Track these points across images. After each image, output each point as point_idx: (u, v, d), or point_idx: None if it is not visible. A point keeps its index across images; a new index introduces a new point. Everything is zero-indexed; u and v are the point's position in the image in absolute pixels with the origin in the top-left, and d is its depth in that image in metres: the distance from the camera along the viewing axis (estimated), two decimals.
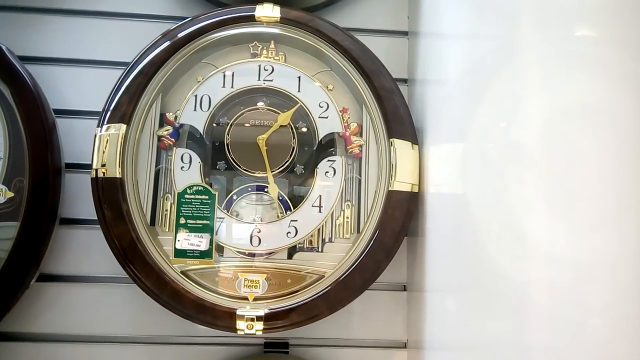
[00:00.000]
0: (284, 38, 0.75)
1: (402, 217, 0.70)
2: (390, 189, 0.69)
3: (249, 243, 0.68)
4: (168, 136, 0.71)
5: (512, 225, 0.47)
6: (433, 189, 0.69)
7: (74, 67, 0.81)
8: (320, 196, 0.70)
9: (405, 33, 0.87)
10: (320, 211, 0.70)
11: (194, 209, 0.67)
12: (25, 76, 0.73)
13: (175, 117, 0.72)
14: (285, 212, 0.71)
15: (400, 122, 0.72)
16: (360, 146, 0.72)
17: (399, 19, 0.88)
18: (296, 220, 0.69)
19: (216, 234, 0.68)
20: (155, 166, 0.71)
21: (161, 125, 0.71)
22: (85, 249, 0.77)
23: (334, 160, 0.71)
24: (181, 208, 0.67)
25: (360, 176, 0.72)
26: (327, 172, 0.71)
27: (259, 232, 0.69)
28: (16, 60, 0.74)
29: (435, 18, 0.73)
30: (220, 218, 0.69)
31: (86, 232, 0.77)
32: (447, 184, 0.65)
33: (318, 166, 0.71)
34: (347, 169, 0.72)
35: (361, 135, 0.73)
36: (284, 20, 0.74)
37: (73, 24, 0.82)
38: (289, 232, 0.69)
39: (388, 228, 0.69)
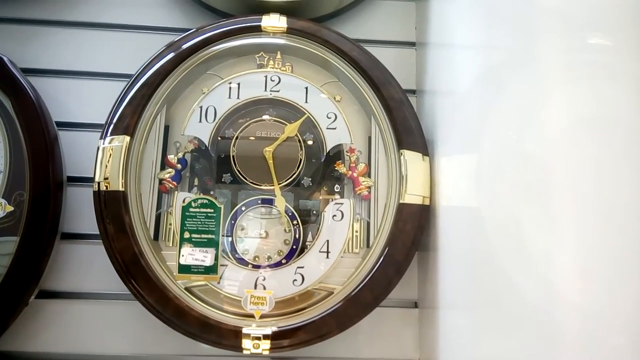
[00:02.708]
0: (291, 48, 0.74)
1: (414, 230, 0.67)
2: (401, 201, 0.67)
3: (253, 289, 0.66)
4: (170, 179, 0.69)
5: (529, 241, 0.45)
6: (445, 202, 0.67)
7: (77, 79, 0.80)
8: (327, 241, 0.67)
9: (412, 44, 0.86)
10: (328, 257, 0.67)
11: (198, 222, 0.65)
12: (27, 88, 0.72)
13: (178, 160, 0.70)
14: (293, 227, 0.68)
15: (410, 133, 0.70)
16: (369, 187, 0.70)
17: (407, 29, 0.86)
18: (303, 267, 0.67)
19: (219, 281, 0.65)
20: (160, 181, 0.69)
21: (162, 168, 0.69)
22: (86, 265, 0.75)
23: (342, 204, 0.69)
24: (185, 222, 0.65)
25: (370, 219, 0.69)
26: (335, 215, 0.68)
27: (263, 279, 0.66)
28: (18, 72, 0.72)
29: (444, 28, 0.72)
30: (223, 265, 0.66)
31: (88, 247, 0.75)
32: (459, 197, 0.63)
33: (325, 210, 0.69)
34: (356, 212, 0.70)
35: (369, 176, 0.71)
36: (290, 31, 0.73)
37: (76, 35, 0.81)
38: (295, 280, 0.66)
39: (399, 242, 0.67)
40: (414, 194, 0.68)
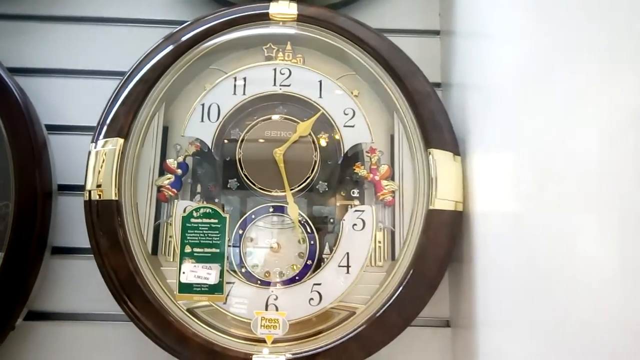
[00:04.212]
0: (302, 38, 0.66)
1: (446, 241, 0.59)
2: (430, 207, 0.59)
3: (263, 311, 0.58)
4: (169, 186, 0.61)
5: (581, 253, 0.37)
6: (480, 207, 0.59)
7: (68, 78, 0.74)
8: (347, 254, 0.59)
9: (436, 32, 0.78)
10: (348, 272, 0.59)
11: (201, 235, 0.58)
12: (14, 89, 0.65)
13: (178, 165, 0.62)
14: (308, 238, 0.60)
15: (439, 130, 0.62)
16: (393, 192, 0.62)
17: (429, 17, 0.79)
18: (320, 284, 0.59)
19: (225, 301, 0.57)
20: (158, 189, 0.62)
21: (161, 174, 0.62)
22: (80, 282, 0.68)
23: (363, 211, 0.61)
24: (186, 234, 0.58)
25: (395, 228, 0.61)
26: (355, 224, 0.60)
27: (275, 298, 0.58)
28: (4, 72, 0.66)
29: (475, 15, 0.63)
30: (230, 282, 0.58)
31: (82, 262, 0.68)
32: (497, 202, 0.55)
33: (344, 219, 0.61)
34: (378, 219, 0.61)
35: (393, 179, 0.63)
36: (301, 18, 0.65)
37: (66, 31, 0.75)
38: (311, 299, 0.58)
39: (430, 255, 0.58)
40: (446, 199, 0.59)
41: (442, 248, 0.59)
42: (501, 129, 0.55)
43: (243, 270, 0.59)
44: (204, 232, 0.57)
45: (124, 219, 0.59)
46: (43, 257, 0.64)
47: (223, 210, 0.60)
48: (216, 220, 0.58)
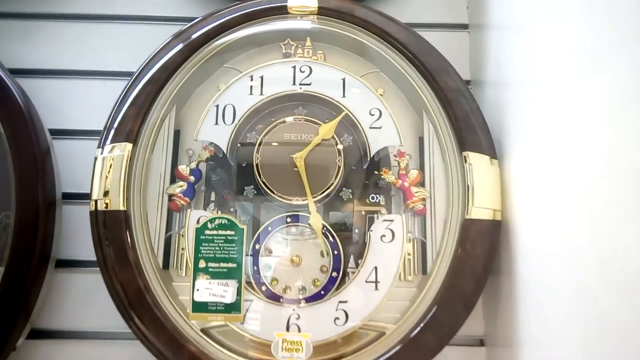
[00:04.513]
0: (323, 33, 0.61)
1: (484, 254, 0.54)
2: (467, 217, 0.54)
3: (285, 332, 0.53)
4: (181, 195, 0.57)
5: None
6: (521, 216, 0.53)
7: (74, 80, 0.69)
8: (375, 268, 0.54)
9: (464, 26, 0.72)
10: (377, 288, 0.54)
11: (216, 248, 0.53)
12: (15, 92, 0.61)
13: (191, 171, 0.58)
14: (332, 251, 0.55)
15: (474, 131, 0.57)
16: (424, 199, 0.57)
17: (456, 10, 0.74)
18: (346, 302, 0.53)
19: (243, 321, 0.52)
20: (169, 198, 0.57)
21: (172, 181, 0.57)
22: (86, 298, 0.64)
23: (392, 220, 0.56)
24: (200, 248, 0.53)
25: (426, 239, 0.56)
26: (384, 235, 0.55)
27: (297, 318, 0.53)
28: (4, 73, 0.62)
29: (511, 8, 0.58)
30: (248, 300, 0.53)
31: (88, 276, 0.64)
32: (540, 209, 0.50)
33: (371, 229, 0.56)
34: (408, 229, 0.56)
35: (423, 186, 0.57)
36: (322, 11, 0.60)
37: (71, 30, 0.71)
38: (337, 318, 0.53)
39: (466, 269, 0.53)
40: (483, 207, 0.54)
41: (480, 261, 0.54)
42: (544, 129, 0.49)
43: (262, 287, 0.54)
44: (220, 245, 0.53)
45: (133, 230, 0.54)
46: (46, 270, 0.60)
47: (239, 221, 0.55)
48: (233, 232, 0.53)
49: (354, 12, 0.59)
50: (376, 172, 0.58)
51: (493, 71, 0.63)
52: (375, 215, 0.57)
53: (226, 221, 0.53)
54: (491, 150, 0.57)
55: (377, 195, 0.58)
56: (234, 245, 0.52)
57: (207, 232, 0.53)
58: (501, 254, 0.56)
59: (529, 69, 0.53)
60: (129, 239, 0.54)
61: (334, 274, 0.55)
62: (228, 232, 0.53)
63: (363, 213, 0.57)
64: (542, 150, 0.50)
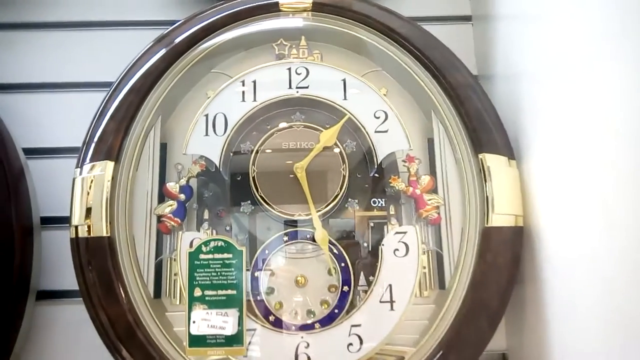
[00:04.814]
0: (319, 31, 0.56)
1: (508, 263, 0.49)
2: (486, 225, 0.49)
3: None
4: (171, 215, 0.51)
5: None
6: (544, 220, 0.49)
7: (50, 94, 0.64)
8: (390, 286, 0.49)
9: (467, 18, 0.68)
10: (392, 308, 0.49)
11: (213, 273, 0.47)
12: None
13: (180, 188, 0.52)
14: (340, 269, 0.50)
15: (489, 130, 0.52)
16: (438, 207, 0.52)
17: (457, 1, 0.69)
18: (359, 325, 0.48)
19: (246, 353, 0.47)
20: (158, 219, 0.52)
21: (160, 200, 0.52)
22: (73, 332, 0.59)
23: (404, 232, 0.51)
24: (195, 274, 0.47)
25: (442, 249, 0.51)
26: (397, 250, 0.50)
27: (307, 346, 0.48)
28: None
29: None
30: (251, 329, 0.48)
31: (74, 308, 0.58)
32: (564, 210, 0.45)
33: (383, 243, 0.51)
34: (423, 240, 0.52)
35: (436, 192, 0.52)
36: (317, 7, 0.55)
37: (45, 39, 0.66)
38: (350, 344, 0.48)
39: (490, 281, 0.48)
40: (505, 213, 0.49)
41: (504, 272, 0.49)
42: (564, 124, 0.45)
43: (265, 313, 0.49)
44: (216, 270, 0.47)
45: (119, 258, 0.49)
46: (26, 303, 0.54)
47: (237, 240, 0.50)
48: (230, 255, 0.48)
49: (352, 7, 0.55)
50: (384, 180, 0.53)
51: (502, 64, 0.58)
52: (386, 228, 0.52)
53: (222, 243, 0.48)
54: (508, 150, 0.52)
55: (386, 205, 0.53)
56: (232, 269, 0.47)
57: (201, 256, 0.48)
58: (525, 262, 0.52)
59: (543, 59, 0.49)
60: (114, 268, 0.48)
61: (345, 288, 0.50)
62: (225, 255, 0.48)
63: (372, 225, 0.52)
64: (562, 147, 0.46)
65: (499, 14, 0.60)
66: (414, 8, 0.68)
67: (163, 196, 0.52)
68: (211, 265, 0.47)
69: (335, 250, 0.51)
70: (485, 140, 0.51)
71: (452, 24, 0.68)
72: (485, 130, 0.52)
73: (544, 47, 0.49)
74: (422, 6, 0.68)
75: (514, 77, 0.55)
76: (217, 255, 0.47)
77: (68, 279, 0.57)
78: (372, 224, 0.53)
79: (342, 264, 0.51)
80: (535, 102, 0.51)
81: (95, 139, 0.52)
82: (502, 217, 0.49)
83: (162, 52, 0.55)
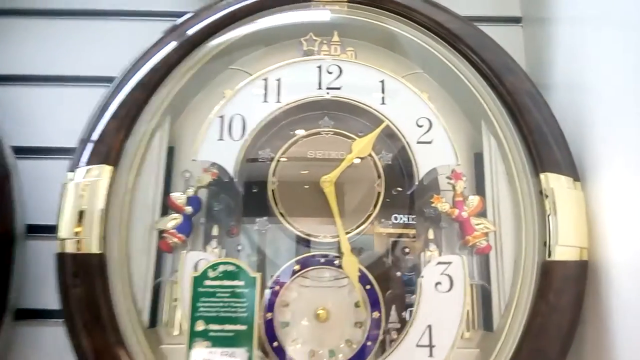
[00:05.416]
0: (354, 26, 0.50)
1: (571, 305, 0.41)
2: (548, 258, 0.41)
3: None
4: (174, 231, 0.44)
5: None
6: (612, 252, 0.41)
7: (44, 87, 0.58)
8: (429, 327, 0.41)
9: (516, 20, 0.61)
10: (431, 354, 0.41)
11: (220, 305, 0.40)
12: None
13: (187, 200, 0.45)
14: (370, 302, 0.42)
15: (550, 146, 0.44)
16: (487, 234, 0.44)
17: (505, 1, 0.62)
18: None
19: None
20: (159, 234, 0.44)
21: (164, 213, 0.45)
22: (56, 357, 0.50)
23: (449, 263, 0.43)
24: (198, 304, 0.40)
25: (490, 284, 0.44)
26: (439, 283, 0.43)
27: None
28: None
29: None
30: None
31: (55, 329, 0.51)
32: (637, 243, 0.37)
33: (422, 274, 0.43)
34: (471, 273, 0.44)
35: (485, 216, 0.45)
36: None
37: (40, 28, 0.60)
38: None
39: (550, 326, 0.40)
40: (569, 245, 0.42)
41: (567, 315, 0.41)
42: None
43: (279, 352, 0.41)
44: (224, 300, 0.39)
45: (108, 281, 0.41)
46: (2, 322, 0.47)
47: (250, 263, 0.43)
48: (242, 283, 0.40)
49: None
50: (425, 199, 0.45)
51: (563, 71, 0.51)
52: (423, 255, 0.44)
53: (233, 267, 0.40)
54: (572, 170, 0.45)
55: (427, 229, 0.45)
56: (244, 300, 0.39)
57: (207, 282, 0.40)
58: (587, 299, 0.44)
59: (614, 68, 0.42)
60: (104, 292, 0.41)
61: (373, 333, 0.42)
62: (235, 283, 0.40)
63: (409, 252, 0.45)
64: (635, 168, 0.38)
65: (557, 16, 0.53)
66: (456, 6, 0.60)
67: (167, 208, 0.45)
68: (218, 294, 0.39)
69: (367, 285, 0.43)
70: (547, 157, 0.44)
71: (499, 25, 0.61)
72: (547, 145, 0.44)
73: (615, 55, 0.42)
74: (465, 4, 0.61)
75: (577, 87, 0.48)
76: (226, 282, 0.40)
77: (53, 297, 0.50)
78: (407, 250, 0.45)
79: (373, 296, 0.43)
80: (604, 116, 0.44)
81: (93, 139, 0.45)
82: (567, 249, 0.41)
83: (174, 44, 0.48)
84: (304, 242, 0.44)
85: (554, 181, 0.43)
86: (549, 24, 0.54)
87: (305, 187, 0.45)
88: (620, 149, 0.41)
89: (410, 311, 0.42)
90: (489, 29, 0.59)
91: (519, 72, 0.47)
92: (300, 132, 0.47)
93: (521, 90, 0.45)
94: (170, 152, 0.48)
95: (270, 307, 0.42)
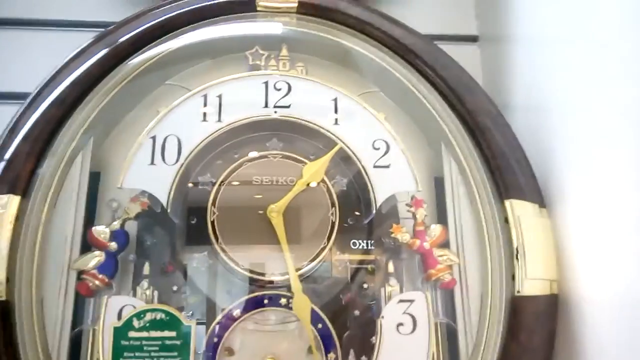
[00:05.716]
0: (304, 40, 0.46)
1: (544, 342, 0.38)
2: (517, 294, 0.38)
3: None
4: (95, 272, 0.38)
5: None
6: (582, 285, 0.39)
7: None
8: None
9: (473, 39, 0.59)
10: None
11: (147, 358, 0.34)
12: None
13: (112, 234, 0.39)
14: (324, 347, 0.37)
15: (514, 170, 0.41)
16: (451, 267, 0.41)
17: (462, 19, 0.60)
18: None
19: None
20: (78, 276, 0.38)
21: (84, 250, 0.39)
22: None
23: (411, 301, 0.39)
24: (122, 359, 0.33)
25: (456, 322, 0.40)
26: (401, 324, 0.38)
27: None
28: None
29: (541, 16, 0.45)
30: None
31: None
32: (607, 274, 0.35)
33: (383, 314, 0.38)
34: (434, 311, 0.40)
35: (448, 247, 0.41)
36: (304, 9, 0.44)
37: None
38: None
39: None
40: (539, 278, 0.39)
41: (540, 354, 0.38)
42: (607, 166, 0.36)
43: None
44: (153, 354, 0.33)
45: (17, 332, 0.35)
46: None
47: (187, 306, 0.37)
48: (173, 333, 0.34)
49: (347, 10, 0.44)
50: (383, 229, 0.41)
51: (523, 93, 0.49)
52: (383, 291, 0.40)
53: (163, 315, 0.34)
54: (538, 195, 0.42)
55: (386, 262, 0.41)
56: (176, 354, 0.33)
57: (132, 333, 0.34)
58: (559, 339, 0.41)
59: (577, 88, 0.40)
60: (7, 346, 0.34)
61: None
62: (166, 334, 0.34)
63: (367, 290, 0.40)
64: (603, 193, 0.36)
65: (514, 34, 0.51)
66: (410, 24, 0.58)
67: (87, 244, 0.39)
68: (145, 348, 0.33)
69: (317, 322, 0.38)
70: (511, 182, 0.41)
71: (455, 44, 0.58)
72: (510, 169, 0.41)
73: (575, 74, 0.40)
74: (420, 22, 0.58)
75: (537, 108, 0.46)
76: (153, 334, 0.34)
77: None
78: (365, 286, 0.41)
79: (326, 336, 0.38)
80: (566, 138, 0.41)
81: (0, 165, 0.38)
82: (536, 282, 0.38)
83: (100, 55, 0.42)
84: (248, 281, 0.39)
85: (519, 208, 0.40)
86: (506, 43, 0.52)
87: (250, 217, 0.40)
88: (585, 172, 0.39)
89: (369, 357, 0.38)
90: (445, 48, 0.57)
91: (478, 91, 0.44)
92: (245, 155, 0.42)
93: (482, 111, 0.43)
94: (95, 178, 0.42)
95: (212, 357, 0.36)
